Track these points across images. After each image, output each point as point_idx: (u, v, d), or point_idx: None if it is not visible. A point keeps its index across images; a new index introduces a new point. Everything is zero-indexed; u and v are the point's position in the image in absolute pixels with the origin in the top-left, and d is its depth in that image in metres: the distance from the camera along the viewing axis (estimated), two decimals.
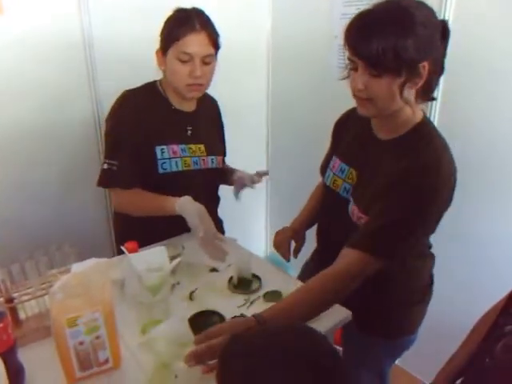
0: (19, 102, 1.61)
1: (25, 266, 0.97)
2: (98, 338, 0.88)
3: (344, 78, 1.06)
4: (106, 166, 1.31)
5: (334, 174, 1.24)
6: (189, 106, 1.43)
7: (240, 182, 1.52)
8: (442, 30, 0.99)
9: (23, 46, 1.58)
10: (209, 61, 1.30)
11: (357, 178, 1.16)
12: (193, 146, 1.40)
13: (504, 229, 1.63)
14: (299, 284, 1.20)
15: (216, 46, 1.33)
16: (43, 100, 1.58)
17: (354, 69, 1.00)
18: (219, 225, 1.64)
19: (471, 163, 1.55)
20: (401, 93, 0.97)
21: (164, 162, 1.34)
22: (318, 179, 1.41)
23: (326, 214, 1.33)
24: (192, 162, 1.40)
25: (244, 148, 2.37)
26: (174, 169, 1.36)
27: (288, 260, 1.41)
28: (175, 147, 1.36)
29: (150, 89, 1.39)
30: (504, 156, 1.57)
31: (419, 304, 1.27)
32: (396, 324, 1.26)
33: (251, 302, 1.15)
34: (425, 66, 0.96)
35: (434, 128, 1.09)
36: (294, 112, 2.36)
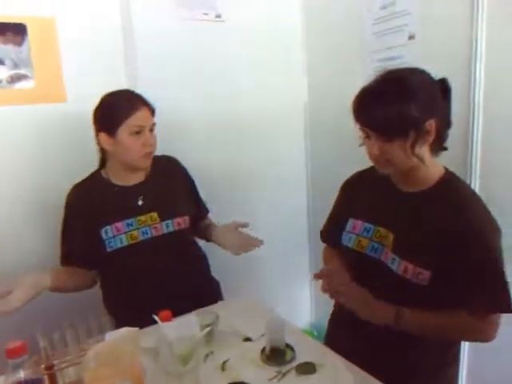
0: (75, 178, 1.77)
1: (65, 334, 1.02)
2: None
3: (361, 145, 1.16)
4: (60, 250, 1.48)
5: (357, 235, 1.24)
6: (137, 178, 1.49)
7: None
8: (442, 89, 1.08)
9: (83, 129, 1.76)
10: (153, 128, 1.44)
11: (395, 235, 1.15)
12: (142, 217, 1.45)
13: None
14: (334, 355, 1.17)
15: (154, 116, 1.46)
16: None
17: (367, 137, 1.10)
18: (214, 286, 1.65)
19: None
20: (413, 151, 1.05)
21: (110, 242, 1.42)
22: None
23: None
24: (140, 233, 1.44)
25: (283, 212, 2.40)
26: (119, 245, 1.42)
27: None
28: (119, 224, 1.43)
29: (94, 177, 1.50)
30: None
31: (453, 365, 1.23)
32: None
33: (283, 374, 1.12)
34: (432, 124, 1.04)
35: (460, 179, 1.17)
36: (333, 173, 2.37)
